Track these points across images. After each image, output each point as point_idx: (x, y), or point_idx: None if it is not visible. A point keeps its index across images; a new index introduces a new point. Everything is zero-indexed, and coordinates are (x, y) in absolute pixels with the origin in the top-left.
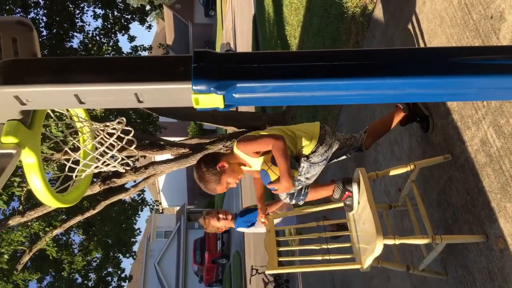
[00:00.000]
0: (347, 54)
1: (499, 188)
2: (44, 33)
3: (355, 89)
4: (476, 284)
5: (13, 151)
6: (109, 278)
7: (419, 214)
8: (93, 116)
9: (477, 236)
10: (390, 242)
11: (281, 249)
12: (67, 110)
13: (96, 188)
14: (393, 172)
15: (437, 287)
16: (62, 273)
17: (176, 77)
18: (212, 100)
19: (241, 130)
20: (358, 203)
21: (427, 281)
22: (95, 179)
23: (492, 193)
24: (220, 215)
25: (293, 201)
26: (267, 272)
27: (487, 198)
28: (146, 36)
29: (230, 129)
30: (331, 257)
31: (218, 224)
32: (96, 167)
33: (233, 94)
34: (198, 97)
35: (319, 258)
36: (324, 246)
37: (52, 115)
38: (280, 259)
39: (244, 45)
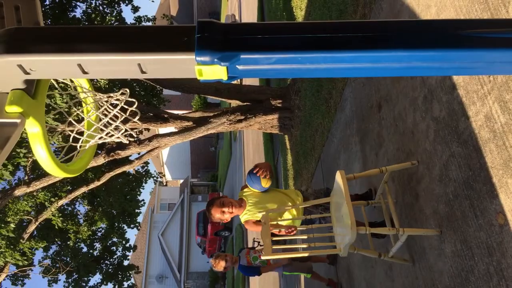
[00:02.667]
0: (353, 25)
1: (502, 164)
2: (47, 2)
3: (361, 61)
4: (475, 259)
5: (18, 121)
6: (114, 247)
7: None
8: (97, 87)
9: (433, 230)
10: (362, 231)
11: (274, 238)
12: (71, 81)
13: (101, 160)
14: (368, 174)
15: (434, 260)
16: (68, 243)
17: (179, 47)
18: (216, 72)
19: (245, 103)
20: None
21: (425, 259)
22: (99, 151)
23: (494, 169)
24: (228, 258)
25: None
26: (262, 258)
27: (489, 174)
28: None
29: (234, 103)
30: (316, 245)
31: (224, 264)
32: (100, 138)
33: (237, 66)
34: (201, 68)
35: (306, 245)
36: (310, 236)
37: (57, 85)
38: (274, 247)
39: (250, 16)
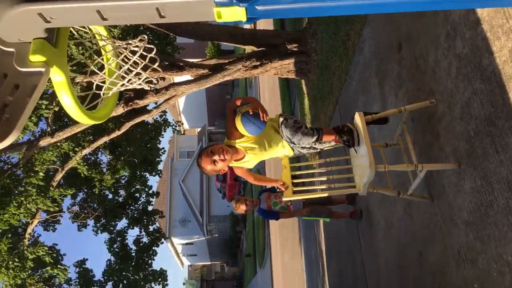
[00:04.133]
0: None
1: None
2: None
3: None
4: (494, 194)
5: (42, 69)
6: (138, 194)
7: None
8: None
9: (452, 164)
10: (381, 169)
11: (294, 181)
12: (90, 30)
13: (120, 110)
14: (386, 114)
15: (453, 197)
16: (94, 190)
17: None
18: (235, 13)
19: (260, 49)
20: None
21: (444, 196)
22: (117, 101)
23: None
24: (248, 202)
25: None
26: (284, 199)
27: None
28: None
29: (249, 48)
30: (336, 185)
31: (244, 208)
32: (122, 85)
33: (256, 6)
34: (220, 10)
35: (326, 186)
36: (330, 177)
37: (76, 34)
38: (294, 188)
39: None
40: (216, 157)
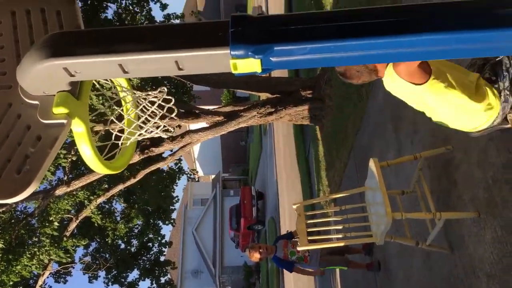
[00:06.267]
0: (385, 10)
1: None
2: (80, 4)
3: (394, 47)
4: None
5: (64, 121)
6: (150, 243)
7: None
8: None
9: (471, 213)
10: (398, 217)
11: (309, 229)
12: (111, 81)
13: (136, 158)
14: (402, 161)
15: (474, 247)
16: (107, 240)
17: (214, 42)
18: (250, 65)
19: (274, 96)
20: None
21: (464, 246)
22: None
23: None
24: (262, 250)
25: None
26: (299, 248)
27: None
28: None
29: (264, 95)
30: (352, 234)
31: (259, 256)
32: (139, 135)
33: (271, 58)
34: (236, 62)
35: (341, 235)
36: (346, 226)
37: (98, 85)
38: (309, 238)
39: (276, 7)
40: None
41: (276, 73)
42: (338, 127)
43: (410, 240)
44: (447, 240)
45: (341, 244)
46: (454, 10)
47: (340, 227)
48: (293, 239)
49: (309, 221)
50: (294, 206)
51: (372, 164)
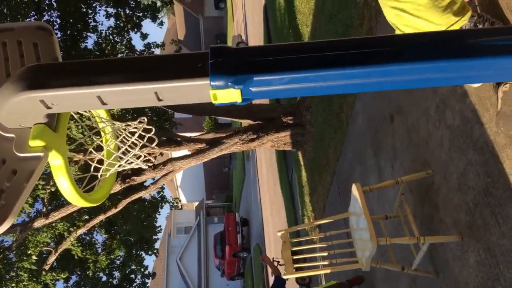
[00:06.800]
0: (362, 42)
1: None
2: (59, 35)
3: (372, 76)
4: (500, 267)
5: (41, 154)
6: (133, 275)
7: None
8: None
9: (454, 236)
10: (383, 242)
11: (295, 257)
12: (90, 112)
13: (117, 187)
14: (384, 186)
15: (458, 271)
16: (87, 272)
17: (194, 73)
18: (230, 95)
19: (256, 122)
20: None
21: (449, 270)
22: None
23: None
24: None
25: None
26: (284, 277)
27: (508, 180)
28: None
29: (245, 122)
30: (338, 261)
31: None
32: (119, 166)
33: (250, 88)
34: (216, 93)
35: (327, 262)
36: (331, 252)
37: (75, 116)
38: (295, 265)
39: (256, 36)
40: None
41: (257, 100)
42: (319, 153)
43: (395, 265)
44: (432, 264)
45: (328, 271)
46: (429, 41)
47: (325, 253)
48: (278, 265)
49: (294, 248)
50: (279, 234)
51: (354, 189)
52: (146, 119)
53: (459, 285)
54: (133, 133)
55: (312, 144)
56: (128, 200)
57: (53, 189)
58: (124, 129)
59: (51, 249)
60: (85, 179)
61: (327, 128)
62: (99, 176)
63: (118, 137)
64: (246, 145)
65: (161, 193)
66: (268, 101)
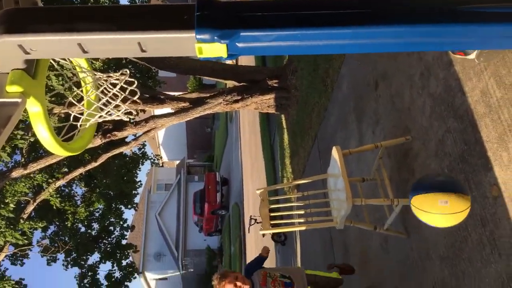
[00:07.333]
0: (351, 2)
1: (496, 137)
2: None
3: (359, 38)
4: (468, 230)
5: (18, 100)
6: (112, 227)
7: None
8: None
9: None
10: (358, 202)
11: (272, 214)
12: (70, 61)
13: (97, 141)
14: (363, 150)
15: (429, 232)
16: (66, 223)
17: (179, 26)
18: (216, 49)
19: (241, 84)
20: None
21: (419, 231)
22: (95, 133)
23: (489, 143)
24: (238, 283)
25: None
26: (260, 232)
27: (484, 148)
28: None
29: (230, 83)
30: (313, 219)
31: None
32: (100, 117)
33: (237, 43)
34: (201, 46)
35: (303, 220)
36: (308, 211)
37: (56, 65)
38: (272, 222)
39: None
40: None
41: (243, 62)
42: (303, 116)
43: (368, 225)
44: (404, 225)
45: (303, 228)
46: (417, 4)
47: (302, 212)
48: (254, 223)
49: (272, 206)
50: (258, 191)
51: (335, 152)
52: (128, 71)
53: (428, 245)
54: (114, 85)
55: (296, 108)
56: (109, 154)
57: (32, 140)
58: (106, 80)
59: (29, 199)
60: (64, 130)
61: (312, 92)
62: (78, 126)
63: (99, 88)
64: (230, 106)
65: (142, 149)
66: (254, 63)
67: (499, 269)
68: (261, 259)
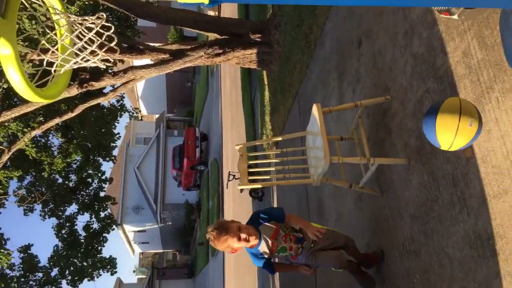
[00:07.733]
0: None
1: (474, 99)
2: None
3: None
4: (440, 189)
5: None
6: (90, 179)
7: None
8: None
9: (402, 159)
10: (335, 160)
11: (250, 170)
12: (43, 2)
13: (74, 91)
14: (343, 108)
15: (401, 191)
16: (43, 174)
17: None
18: None
19: (223, 37)
20: None
21: (392, 190)
22: (71, 82)
23: None
24: (243, 235)
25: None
26: (238, 187)
27: None
28: None
29: (212, 36)
30: (291, 175)
31: (236, 245)
32: (75, 63)
33: None
34: None
35: (281, 176)
36: (286, 167)
37: (29, 7)
38: (250, 177)
39: None
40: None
41: (226, 14)
42: (284, 73)
43: (344, 182)
44: (378, 184)
45: (281, 183)
46: None
47: (280, 168)
48: (233, 179)
49: (250, 162)
50: (237, 147)
51: (315, 109)
52: (104, 15)
53: (400, 203)
54: (90, 29)
55: (278, 64)
56: (86, 105)
57: (5, 86)
58: (81, 24)
59: (4, 148)
60: (37, 75)
61: (295, 49)
62: (52, 71)
63: (73, 32)
64: (211, 59)
65: (121, 101)
66: (237, 16)
67: (466, 228)
68: (281, 213)
